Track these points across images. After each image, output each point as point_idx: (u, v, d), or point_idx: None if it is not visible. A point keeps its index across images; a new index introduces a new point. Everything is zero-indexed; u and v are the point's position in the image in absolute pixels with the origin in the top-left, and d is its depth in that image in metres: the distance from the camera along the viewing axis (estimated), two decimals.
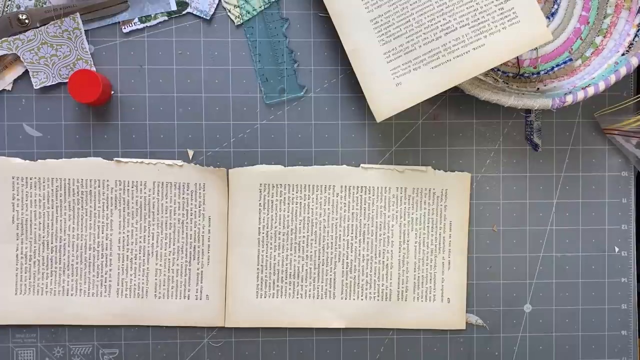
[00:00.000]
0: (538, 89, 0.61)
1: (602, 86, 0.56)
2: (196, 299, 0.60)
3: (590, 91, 0.56)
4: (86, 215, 0.59)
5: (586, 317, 0.63)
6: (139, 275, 0.60)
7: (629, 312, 0.63)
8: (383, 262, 0.61)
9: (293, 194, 0.60)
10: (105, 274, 0.60)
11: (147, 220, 0.60)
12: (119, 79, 0.60)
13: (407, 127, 0.62)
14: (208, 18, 0.59)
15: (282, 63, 0.60)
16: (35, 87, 0.59)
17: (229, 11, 0.60)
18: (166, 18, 0.59)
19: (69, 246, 0.59)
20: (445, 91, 0.56)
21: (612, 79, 0.56)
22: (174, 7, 0.59)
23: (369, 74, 0.56)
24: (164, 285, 0.60)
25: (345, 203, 0.61)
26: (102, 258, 0.60)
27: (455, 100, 0.62)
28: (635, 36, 0.58)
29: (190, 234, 0.60)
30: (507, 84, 0.61)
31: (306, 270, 0.61)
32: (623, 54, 0.59)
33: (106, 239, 0.60)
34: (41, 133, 0.60)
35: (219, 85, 0.60)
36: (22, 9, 0.58)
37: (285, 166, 0.61)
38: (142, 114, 0.60)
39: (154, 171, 0.59)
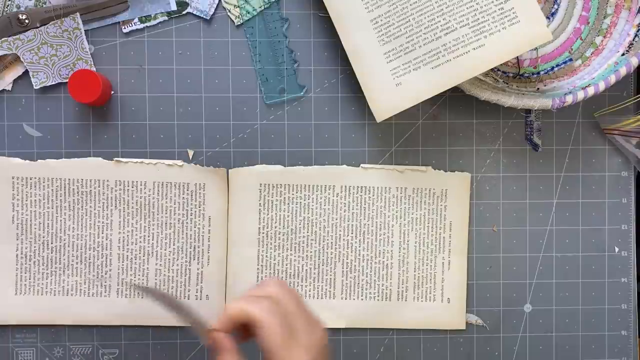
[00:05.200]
0: (538, 89, 0.61)
1: (602, 86, 0.56)
2: (196, 299, 0.60)
3: (590, 91, 0.56)
4: (86, 215, 0.59)
5: (586, 317, 0.63)
6: (139, 275, 0.60)
7: (629, 312, 0.63)
8: (383, 262, 0.61)
9: (293, 194, 0.60)
10: (105, 274, 0.60)
11: (147, 220, 0.60)
12: (119, 79, 0.60)
13: (407, 127, 0.62)
14: (208, 18, 0.59)
15: (282, 63, 0.60)
16: (35, 87, 0.59)
17: (229, 11, 0.60)
18: (166, 18, 0.59)
19: (69, 246, 0.59)
20: (445, 91, 0.56)
21: (612, 79, 0.56)
22: (174, 7, 0.59)
23: (369, 74, 0.56)
24: (163, 286, 0.60)
25: (345, 203, 0.61)
26: (102, 258, 0.60)
27: (455, 100, 0.62)
28: (635, 36, 0.58)
29: (190, 234, 0.60)
30: (507, 84, 0.61)
31: (306, 270, 0.61)
32: (623, 54, 0.59)
33: (106, 239, 0.60)
34: (41, 133, 0.60)
35: (219, 85, 0.60)
36: (22, 9, 0.58)
37: (285, 166, 0.61)
38: (142, 114, 0.60)
39: (154, 171, 0.59)
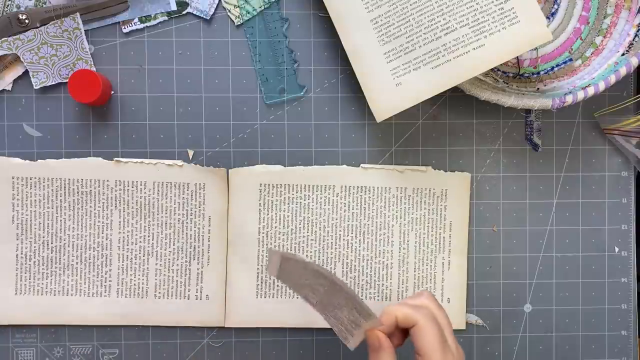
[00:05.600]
0: (538, 89, 0.61)
1: (602, 86, 0.56)
2: (196, 299, 0.60)
3: (590, 91, 0.56)
4: (86, 215, 0.59)
5: (586, 317, 0.63)
6: (139, 275, 0.60)
7: (629, 312, 0.63)
8: (383, 262, 0.61)
9: (293, 194, 0.60)
10: (105, 274, 0.60)
11: (147, 220, 0.60)
12: (119, 79, 0.60)
13: (407, 127, 0.62)
14: (208, 18, 0.59)
15: (282, 63, 0.60)
16: (35, 87, 0.59)
17: (229, 11, 0.60)
18: (166, 18, 0.59)
19: (69, 246, 0.59)
20: (445, 91, 0.56)
21: (612, 79, 0.56)
22: (174, 7, 0.59)
23: (369, 74, 0.56)
24: (164, 285, 0.60)
25: (345, 203, 0.61)
26: (102, 258, 0.60)
27: (455, 100, 0.62)
28: (635, 36, 0.58)
29: (190, 234, 0.60)
30: (507, 84, 0.61)
31: None
32: (623, 54, 0.59)
33: (106, 239, 0.60)
34: (41, 133, 0.60)
35: (219, 85, 0.60)
36: (22, 9, 0.58)
37: (285, 166, 0.61)
38: (142, 114, 0.60)
39: (154, 171, 0.59)
